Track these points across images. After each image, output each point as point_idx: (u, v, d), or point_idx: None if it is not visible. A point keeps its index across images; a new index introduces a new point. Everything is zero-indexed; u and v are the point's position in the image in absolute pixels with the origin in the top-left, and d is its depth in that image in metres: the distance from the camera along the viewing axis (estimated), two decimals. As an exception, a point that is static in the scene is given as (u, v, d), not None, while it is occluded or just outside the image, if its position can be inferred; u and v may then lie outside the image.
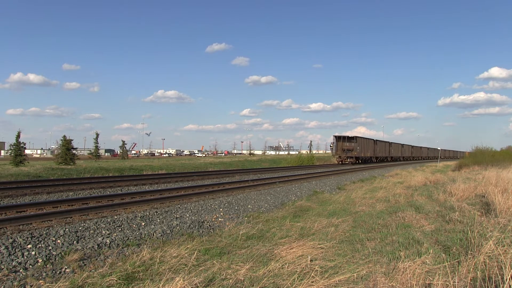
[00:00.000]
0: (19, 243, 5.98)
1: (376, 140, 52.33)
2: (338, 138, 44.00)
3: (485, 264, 4.50)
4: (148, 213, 8.80)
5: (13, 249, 5.72)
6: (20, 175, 18.29)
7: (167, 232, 7.51)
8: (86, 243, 6.42)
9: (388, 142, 59.68)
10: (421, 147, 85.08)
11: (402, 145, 68.31)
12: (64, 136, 31.41)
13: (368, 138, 48.83)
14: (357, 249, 5.83)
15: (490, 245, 4.92)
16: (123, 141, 62.41)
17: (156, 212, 9.03)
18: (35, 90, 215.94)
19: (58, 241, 6.36)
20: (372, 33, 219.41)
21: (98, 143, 49.17)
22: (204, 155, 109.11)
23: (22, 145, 27.59)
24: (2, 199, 10.57)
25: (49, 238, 6.38)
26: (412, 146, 76.05)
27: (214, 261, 5.29)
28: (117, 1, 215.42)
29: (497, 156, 36.58)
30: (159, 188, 13.63)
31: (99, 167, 24.28)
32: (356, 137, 43.56)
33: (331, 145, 45.82)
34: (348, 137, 43.76)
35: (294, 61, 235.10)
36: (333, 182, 19.33)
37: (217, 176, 21.08)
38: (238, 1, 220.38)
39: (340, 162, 44.05)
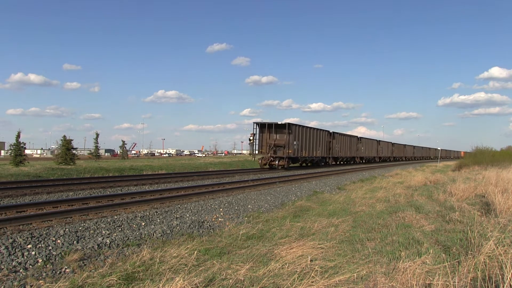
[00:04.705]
0: (19, 243, 5.98)
1: (334, 132, 35.63)
2: (261, 127, 27.58)
3: (485, 264, 4.50)
4: (148, 213, 8.80)
5: (13, 249, 5.72)
6: (20, 175, 18.28)
7: (167, 232, 7.51)
8: (86, 243, 6.42)
9: (357, 137, 43.88)
10: (404, 145, 70.57)
11: (378, 141, 53.05)
12: (64, 136, 31.54)
13: (318, 129, 32.51)
14: (357, 249, 5.83)
15: (490, 245, 4.92)
16: (123, 141, 62.79)
17: (156, 212, 9.02)
18: (35, 90, 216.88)
19: (58, 241, 6.36)
20: (372, 33, 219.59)
21: (98, 143, 49.37)
22: (204, 155, 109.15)
23: (22, 145, 27.64)
24: (2, 199, 10.57)
25: (49, 238, 6.38)
26: (393, 144, 61.63)
27: (214, 261, 5.29)
28: (118, 1, 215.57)
29: (497, 156, 36.58)
30: (159, 188, 13.62)
31: (99, 167, 24.29)
32: (290, 124, 27.03)
33: (251, 138, 28.07)
34: (276, 124, 27.15)
35: (294, 61, 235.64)
36: (333, 182, 19.33)
37: (217, 176, 21.07)
38: (239, 1, 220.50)
39: (265, 166, 27.41)
